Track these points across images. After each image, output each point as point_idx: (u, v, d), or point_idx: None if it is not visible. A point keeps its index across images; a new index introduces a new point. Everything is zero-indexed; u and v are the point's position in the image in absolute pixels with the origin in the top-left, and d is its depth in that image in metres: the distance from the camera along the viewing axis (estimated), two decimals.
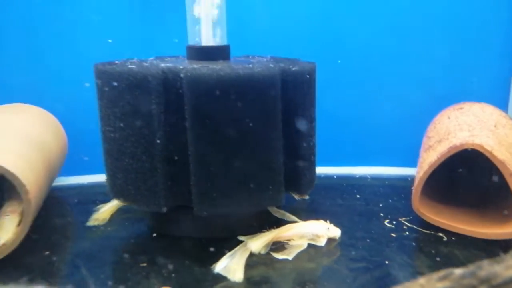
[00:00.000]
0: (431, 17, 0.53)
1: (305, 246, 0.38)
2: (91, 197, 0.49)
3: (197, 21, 0.39)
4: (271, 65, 0.37)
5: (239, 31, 0.44)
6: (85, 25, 0.51)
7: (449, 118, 0.47)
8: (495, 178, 0.40)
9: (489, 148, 0.37)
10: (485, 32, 0.53)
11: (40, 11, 0.50)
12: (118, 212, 0.44)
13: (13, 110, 0.46)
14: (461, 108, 0.49)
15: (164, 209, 0.36)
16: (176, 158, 0.36)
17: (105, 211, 0.44)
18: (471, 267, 0.21)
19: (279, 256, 0.36)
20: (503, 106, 0.53)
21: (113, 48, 0.51)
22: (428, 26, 0.53)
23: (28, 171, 0.37)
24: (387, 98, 0.56)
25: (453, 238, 0.38)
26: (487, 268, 0.20)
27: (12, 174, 0.34)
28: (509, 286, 0.20)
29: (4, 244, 0.34)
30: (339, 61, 0.55)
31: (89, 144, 0.52)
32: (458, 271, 0.21)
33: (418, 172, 0.43)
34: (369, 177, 0.55)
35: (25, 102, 0.51)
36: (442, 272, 0.21)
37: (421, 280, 0.21)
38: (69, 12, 0.51)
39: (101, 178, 0.53)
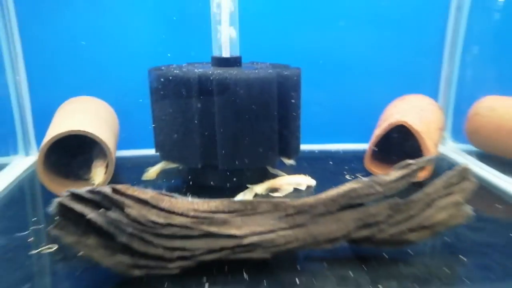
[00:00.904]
0: (385, 33, 0.72)
1: (291, 190, 0.57)
2: (138, 163, 0.68)
3: (219, 40, 0.58)
4: (270, 71, 0.56)
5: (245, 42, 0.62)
6: (131, 37, 0.69)
7: (395, 106, 0.67)
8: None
9: (410, 123, 0.56)
10: (422, 44, 0.72)
11: (100, 26, 0.69)
12: (161, 172, 0.63)
13: (88, 100, 0.65)
14: (404, 99, 0.68)
15: (199, 165, 0.55)
16: (206, 133, 0.55)
17: (153, 171, 0.62)
18: (373, 177, 0.40)
19: (274, 195, 0.56)
20: (435, 96, 0.73)
21: (152, 53, 0.70)
22: (385, 39, 0.73)
23: (109, 140, 0.55)
24: (355, 93, 0.75)
25: None
26: (379, 176, 0.40)
27: (103, 141, 0.53)
28: (390, 184, 0.40)
29: (98, 184, 0.53)
30: (320, 62, 0.74)
31: (132, 125, 0.71)
32: (365, 179, 0.40)
33: (370, 142, 0.62)
34: (341, 151, 0.75)
35: (86, 95, 0.69)
36: (356, 180, 0.40)
37: (347, 184, 0.40)
38: (121, 26, 0.69)
39: (141, 152, 0.72)
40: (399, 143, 0.63)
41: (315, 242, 0.40)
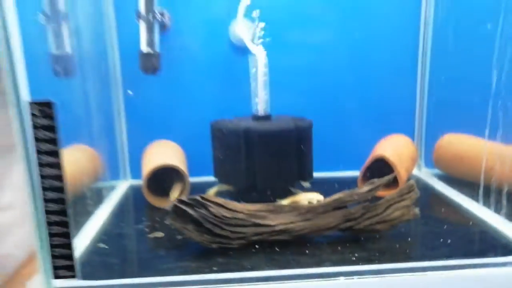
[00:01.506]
0: (374, 90, 1.00)
1: (306, 203, 0.83)
2: (201, 186, 0.96)
3: (256, 102, 0.87)
4: (291, 123, 0.84)
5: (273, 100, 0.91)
6: (198, 97, 0.99)
7: (380, 144, 0.93)
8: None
9: (387, 156, 0.83)
10: (401, 98, 0.99)
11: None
12: (218, 192, 0.91)
13: (166, 143, 0.95)
14: (387, 138, 0.94)
15: (245, 186, 0.83)
16: (249, 164, 0.83)
17: (212, 191, 0.90)
18: (352, 190, 0.67)
19: None
20: (412, 134, 0.99)
21: (212, 109, 0.99)
22: (376, 96, 1.00)
23: (185, 171, 0.84)
24: (356, 134, 1.01)
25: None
26: (356, 189, 0.66)
27: (184, 172, 0.82)
28: (362, 194, 0.66)
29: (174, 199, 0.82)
30: (330, 113, 1.02)
31: (197, 159, 0.99)
32: (347, 191, 0.67)
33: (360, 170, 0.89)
34: (345, 177, 1.01)
35: (165, 139, 0.99)
36: (342, 192, 0.67)
37: (336, 194, 0.67)
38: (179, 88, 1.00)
39: (203, 179, 1.00)
40: (382, 169, 0.89)
41: (318, 230, 0.66)
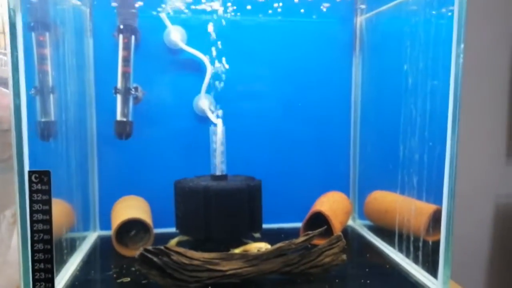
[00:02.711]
0: (315, 158, 1.18)
1: (256, 251, 0.97)
2: (164, 237, 1.07)
3: (215, 166, 1.02)
4: (244, 182, 0.99)
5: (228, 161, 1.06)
6: (162, 159, 1.13)
7: (319, 199, 1.10)
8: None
9: (323, 210, 0.99)
10: (340, 164, 1.18)
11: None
12: (179, 243, 1.03)
13: (134, 198, 1.07)
14: (325, 195, 1.11)
15: (203, 237, 0.96)
16: (207, 218, 0.96)
17: (173, 241, 1.02)
18: (291, 240, 0.82)
19: None
20: (348, 191, 1.17)
21: (173, 170, 1.13)
22: (317, 161, 1.18)
23: (150, 223, 0.96)
24: (299, 191, 1.18)
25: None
26: (294, 240, 0.81)
27: (149, 224, 0.94)
28: (299, 244, 0.81)
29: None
30: (276, 173, 1.18)
31: (160, 213, 1.11)
32: (286, 241, 0.81)
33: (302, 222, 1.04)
34: (289, 227, 1.15)
35: (132, 194, 1.11)
36: (282, 242, 0.81)
37: (278, 244, 0.81)
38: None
39: (165, 230, 1.12)
40: (321, 221, 1.05)
41: (263, 274, 0.80)
